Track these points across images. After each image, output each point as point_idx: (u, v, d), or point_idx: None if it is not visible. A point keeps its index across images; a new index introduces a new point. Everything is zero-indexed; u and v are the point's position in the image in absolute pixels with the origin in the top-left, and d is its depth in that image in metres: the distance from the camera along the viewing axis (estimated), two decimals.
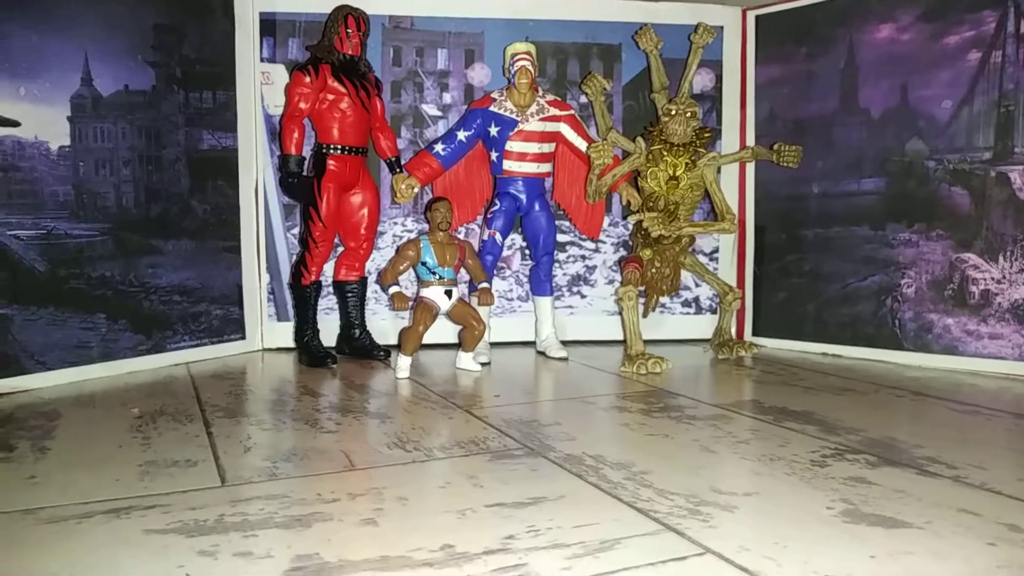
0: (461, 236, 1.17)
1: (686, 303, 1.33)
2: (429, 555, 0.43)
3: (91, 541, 0.46)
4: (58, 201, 0.96)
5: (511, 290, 1.28)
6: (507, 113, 1.13)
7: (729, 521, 0.48)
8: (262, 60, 1.19)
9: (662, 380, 0.98)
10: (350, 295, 1.17)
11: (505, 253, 1.24)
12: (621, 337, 1.13)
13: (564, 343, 1.18)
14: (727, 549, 0.44)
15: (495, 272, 1.20)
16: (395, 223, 1.24)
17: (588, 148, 1.12)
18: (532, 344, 1.23)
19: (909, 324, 1.09)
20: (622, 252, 1.29)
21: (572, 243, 1.29)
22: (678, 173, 1.13)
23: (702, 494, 0.53)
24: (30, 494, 0.54)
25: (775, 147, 1.17)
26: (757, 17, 1.28)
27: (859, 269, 1.12)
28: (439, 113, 1.24)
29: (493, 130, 1.14)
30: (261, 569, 0.41)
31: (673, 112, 1.14)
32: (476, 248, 1.15)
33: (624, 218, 1.28)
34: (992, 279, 1.02)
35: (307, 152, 1.11)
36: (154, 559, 0.43)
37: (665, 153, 1.14)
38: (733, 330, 1.24)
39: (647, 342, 1.12)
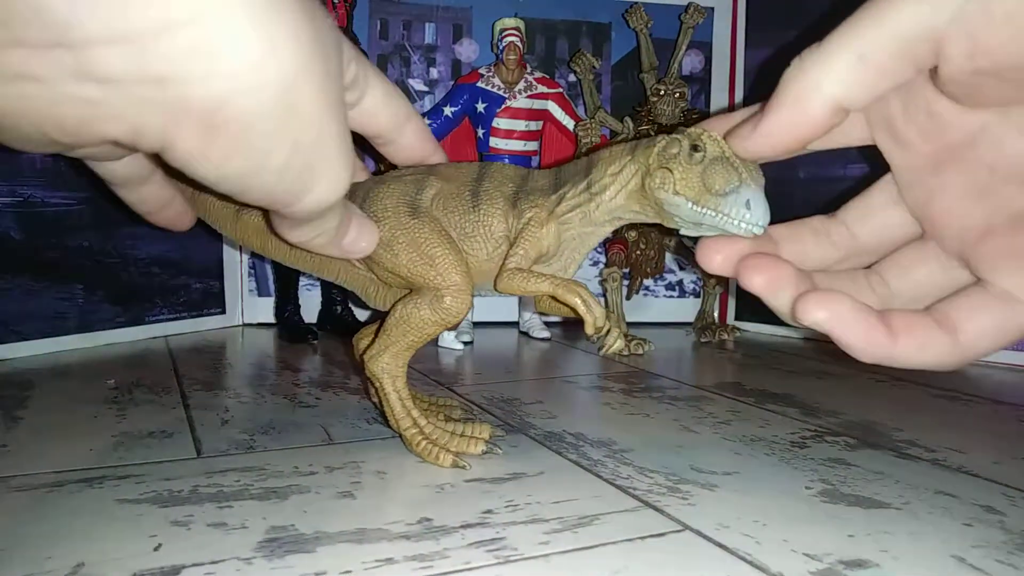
0: None
1: (670, 286, 1.33)
2: (406, 528, 0.43)
3: (63, 509, 0.45)
4: (35, 168, 0.94)
5: None
6: (495, 89, 1.12)
7: (708, 499, 0.48)
8: None
9: (644, 361, 0.98)
10: None
11: None
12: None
13: (547, 324, 1.18)
14: (706, 526, 0.44)
15: None
16: None
17: (576, 127, 1.12)
18: (515, 324, 1.22)
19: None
20: None
21: None
22: None
23: (682, 472, 0.53)
24: (1, 463, 0.53)
25: None
26: None
27: None
28: (426, 88, 1.23)
29: (480, 106, 1.13)
30: (235, 540, 0.41)
31: (662, 92, 1.13)
32: None
33: None
34: None
35: None
36: (127, 528, 0.42)
37: (653, 134, 1.13)
38: (716, 314, 1.24)
39: (629, 324, 1.12)
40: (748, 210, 0.41)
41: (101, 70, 0.22)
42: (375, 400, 0.64)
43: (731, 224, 0.41)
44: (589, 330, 0.51)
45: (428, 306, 0.52)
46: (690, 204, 0.43)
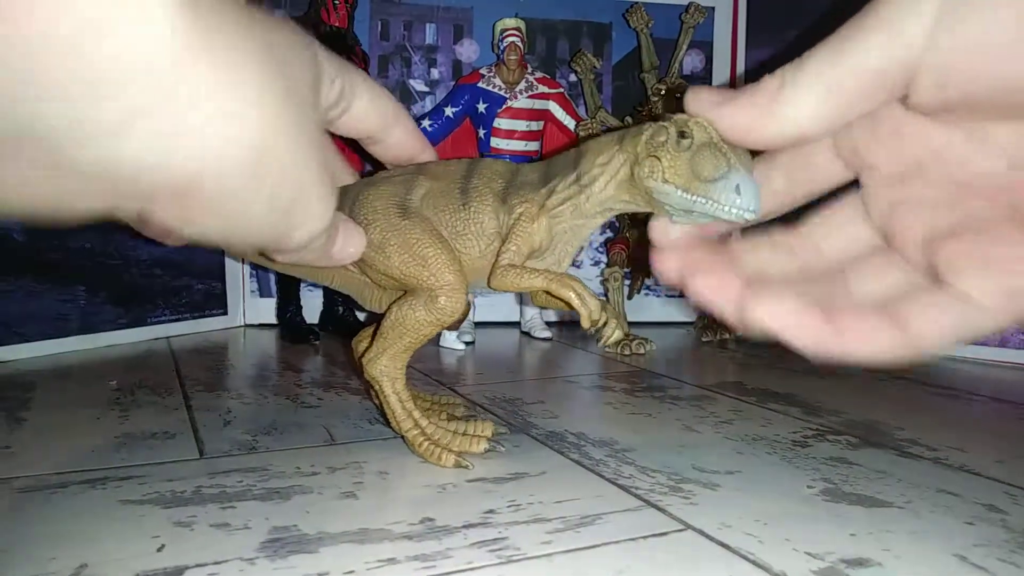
0: None
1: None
2: (409, 528, 0.43)
3: (66, 510, 0.45)
4: None
5: None
6: (495, 90, 1.12)
7: (710, 498, 0.48)
8: None
9: (646, 361, 0.98)
10: None
11: None
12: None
13: (548, 324, 1.18)
14: (708, 526, 0.44)
15: None
16: None
17: (577, 127, 1.12)
18: (517, 324, 1.22)
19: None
20: (608, 233, 1.28)
21: None
22: None
23: (684, 472, 0.53)
24: (4, 464, 0.53)
25: None
26: None
27: None
28: (427, 89, 1.23)
29: (481, 106, 1.13)
30: (238, 540, 0.41)
31: (662, 92, 1.13)
32: None
33: None
34: None
35: None
36: (130, 529, 0.42)
37: None
38: None
39: (631, 324, 1.12)
40: (738, 195, 0.40)
41: (72, 165, 0.21)
42: (376, 402, 0.64)
43: (721, 210, 0.40)
44: (585, 323, 0.51)
45: (423, 307, 0.52)
46: (679, 192, 0.42)
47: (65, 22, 0.19)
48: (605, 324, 0.53)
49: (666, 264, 0.37)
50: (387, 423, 0.58)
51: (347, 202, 0.54)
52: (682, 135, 0.42)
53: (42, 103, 0.19)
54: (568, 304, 0.52)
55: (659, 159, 0.44)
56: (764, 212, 0.39)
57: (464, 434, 0.57)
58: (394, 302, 0.55)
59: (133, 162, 0.22)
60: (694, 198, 0.42)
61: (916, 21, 0.26)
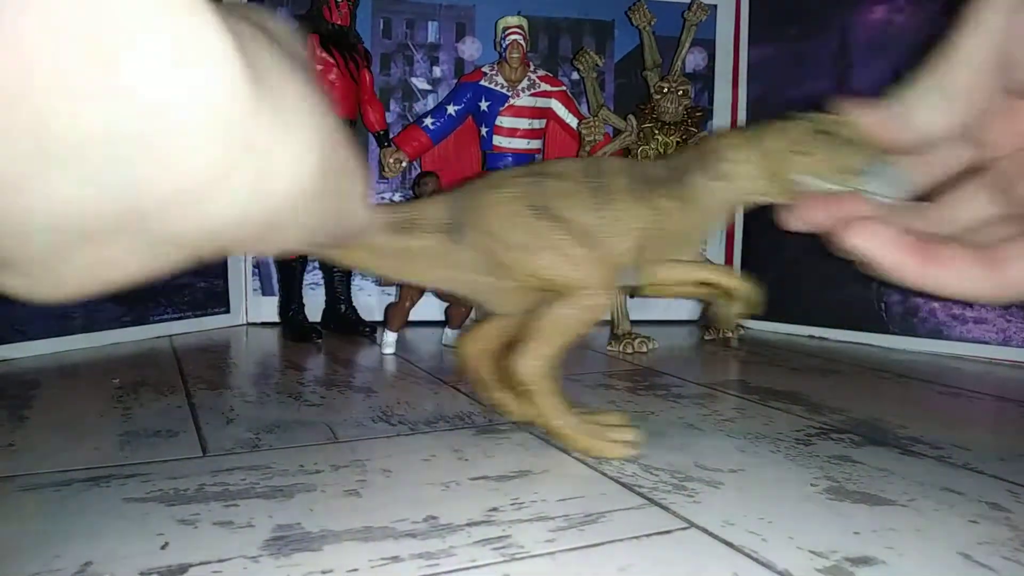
0: None
1: None
2: (412, 526, 0.43)
3: (70, 508, 0.45)
4: None
5: None
6: (498, 88, 1.12)
7: (714, 497, 0.48)
8: None
9: (648, 360, 0.98)
10: (336, 270, 1.16)
11: None
12: (608, 317, 1.13)
13: None
14: (712, 524, 0.44)
15: None
16: (382, 198, 1.23)
17: (579, 125, 1.12)
18: None
19: (895, 308, 1.09)
20: None
21: None
22: (669, 152, 1.12)
23: (687, 470, 0.53)
24: (8, 461, 0.53)
25: None
26: None
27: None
28: (429, 87, 1.23)
29: (483, 104, 1.13)
30: (241, 538, 0.41)
31: (665, 90, 1.13)
32: None
33: None
34: None
35: None
36: (134, 526, 0.42)
37: (656, 131, 1.13)
38: None
39: (634, 322, 1.12)
40: (886, 184, 0.41)
41: (160, 235, 0.22)
42: (492, 396, 0.65)
43: (871, 198, 0.41)
44: (738, 308, 0.56)
45: (577, 307, 0.53)
46: (828, 183, 0.44)
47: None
48: (732, 315, 0.58)
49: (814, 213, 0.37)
50: (388, 421, 0.58)
51: (468, 205, 0.55)
52: (824, 132, 0.45)
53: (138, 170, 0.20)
54: (727, 291, 0.56)
55: (804, 154, 0.46)
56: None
57: (606, 425, 0.58)
58: (544, 305, 0.55)
59: (219, 220, 0.22)
60: (843, 189, 0.43)
61: (996, 16, 0.29)
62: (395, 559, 0.39)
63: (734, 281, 0.56)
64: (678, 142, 1.13)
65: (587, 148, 1.11)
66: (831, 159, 0.45)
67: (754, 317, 1.23)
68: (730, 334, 1.17)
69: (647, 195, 0.54)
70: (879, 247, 0.33)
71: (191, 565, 0.38)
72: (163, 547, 0.40)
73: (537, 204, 0.53)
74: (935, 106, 0.34)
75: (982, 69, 0.31)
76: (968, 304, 1.02)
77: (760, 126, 0.51)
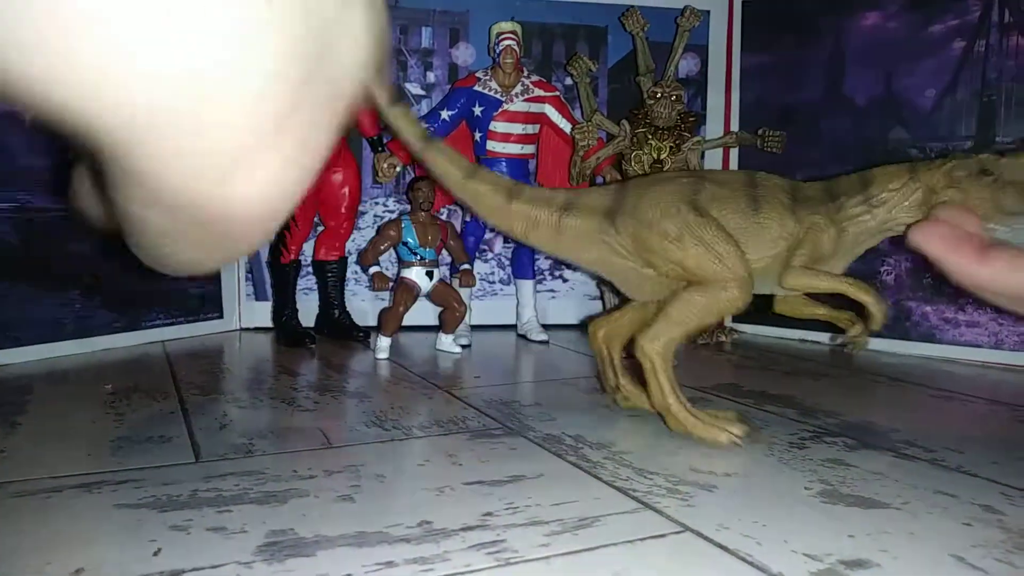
0: (443, 217, 1.16)
1: None
2: (406, 531, 0.43)
3: (62, 515, 0.45)
4: (33, 175, 0.94)
5: (493, 273, 1.27)
6: (491, 93, 1.12)
7: (708, 500, 0.48)
8: None
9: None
10: (330, 275, 1.15)
11: (487, 235, 1.23)
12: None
13: (545, 327, 1.18)
14: (706, 527, 0.44)
15: (477, 254, 1.20)
16: (376, 203, 1.23)
17: (573, 130, 1.12)
18: (513, 327, 1.22)
19: (888, 312, 1.09)
20: None
21: None
22: (662, 157, 1.13)
23: (681, 474, 0.53)
24: None
25: (759, 132, 1.17)
26: (744, 2, 1.27)
27: None
28: (422, 92, 1.23)
29: (477, 110, 1.13)
30: (235, 544, 0.41)
31: (658, 95, 1.13)
32: (458, 229, 1.14)
33: None
34: None
35: None
36: (126, 533, 0.42)
37: (650, 136, 1.13)
38: None
39: None
40: None
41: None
42: (615, 384, 0.71)
43: (1020, 238, 0.45)
44: (876, 326, 0.59)
45: (713, 295, 0.58)
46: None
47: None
48: (862, 334, 0.62)
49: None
50: (382, 426, 0.58)
51: (630, 196, 0.62)
52: (984, 171, 0.49)
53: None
54: (866, 304, 0.59)
55: (960, 191, 0.51)
56: None
57: (718, 418, 0.62)
58: (681, 290, 0.60)
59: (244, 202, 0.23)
60: (995, 226, 0.46)
61: None
62: (389, 564, 0.38)
63: (870, 297, 0.59)
64: (671, 147, 1.13)
65: (580, 153, 1.11)
66: (985, 198, 0.49)
67: (746, 320, 1.24)
68: (723, 338, 1.17)
69: (800, 211, 0.60)
70: (933, 241, 0.36)
71: (184, 571, 0.37)
72: (155, 553, 0.39)
73: (695, 202, 0.60)
74: None
75: None
76: (962, 308, 1.03)
77: (923, 161, 0.56)
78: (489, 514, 0.45)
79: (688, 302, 0.59)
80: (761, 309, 0.68)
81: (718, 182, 0.62)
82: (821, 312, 0.64)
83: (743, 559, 0.40)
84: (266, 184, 0.23)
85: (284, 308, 1.12)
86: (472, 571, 0.38)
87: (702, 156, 1.20)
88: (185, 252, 0.30)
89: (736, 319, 1.27)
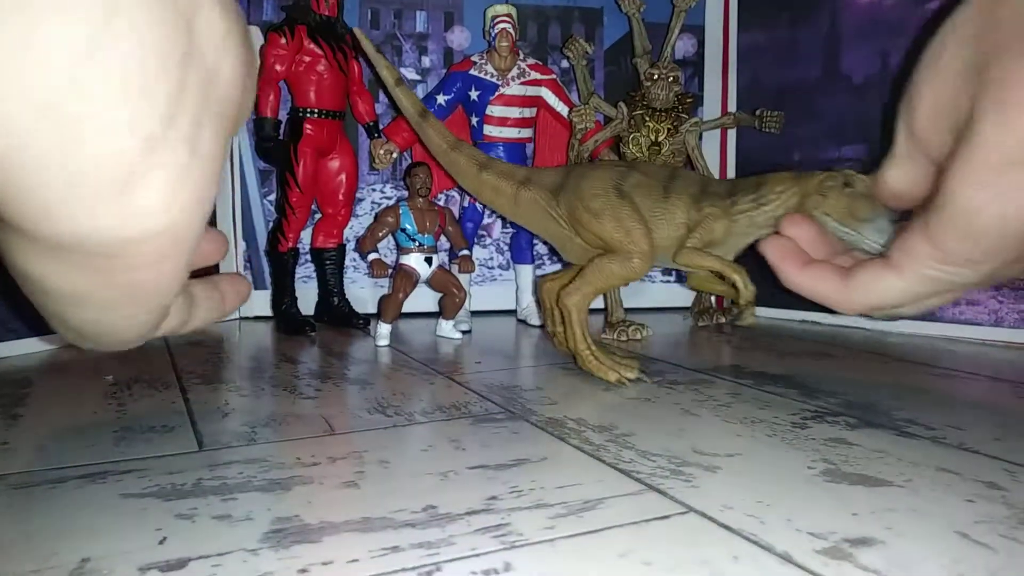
0: (441, 203, 1.16)
1: (666, 272, 1.33)
2: (411, 516, 0.43)
3: (66, 505, 0.45)
4: None
5: (491, 258, 1.27)
6: (487, 77, 1.12)
7: (712, 481, 0.48)
8: None
9: (643, 346, 0.98)
10: (328, 263, 1.15)
11: (486, 220, 1.23)
12: (602, 305, 1.13)
13: None
14: (710, 508, 0.44)
15: (476, 239, 1.19)
16: (373, 189, 1.23)
17: (570, 113, 1.11)
18: (513, 312, 1.22)
19: (754, 293, 1.09)
20: None
21: None
22: (660, 139, 1.12)
23: (684, 455, 0.53)
24: (2, 460, 0.53)
25: (758, 112, 1.16)
26: None
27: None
28: (418, 77, 1.22)
29: (473, 94, 1.12)
30: (241, 531, 0.41)
31: (655, 76, 1.13)
32: (456, 215, 1.14)
33: None
34: None
35: (283, 116, 1.09)
36: (131, 522, 0.42)
37: (647, 118, 1.13)
38: (713, 298, 1.24)
39: (628, 310, 1.12)
40: (877, 235, 0.54)
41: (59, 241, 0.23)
42: (551, 330, 0.85)
43: (864, 243, 0.55)
44: (741, 301, 0.70)
45: (619, 263, 0.71)
46: (835, 223, 0.58)
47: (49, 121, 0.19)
48: (746, 307, 0.71)
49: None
50: (384, 412, 0.58)
51: (573, 177, 0.78)
52: (847, 184, 0.60)
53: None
54: (733, 284, 0.70)
55: (825, 196, 0.61)
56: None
57: (621, 363, 0.76)
58: (596, 256, 0.74)
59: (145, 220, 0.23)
60: (846, 230, 0.57)
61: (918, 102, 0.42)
62: (395, 549, 0.38)
63: (739, 277, 0.69)
64: (668, 129, 1.13)
65: (578, 136, 1.10)
66: (843, 205, 0.59)
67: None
68: (723, 320, 1.17)
69: (702, 203, 0.71)
70: (774, 253, 0.48)
71: (190, 559, 0.37)
72: (161, 542, 0.39)
73: (620, 187, 0.73)
74: (897, 167, 0.46)
75: (916, 143, 0.42)
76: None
77: (806, 172, 0.67)
78: (494, 498, 0.45)
79: (600, 267, 0.72)
80: (761, 290, 0.71)
81: (644, 172, 0.75)
82: (720, 289, 0.74)
83: (748, 538, 0.40)
84: (160, 201, 0.22)
85: (283, 296, 1.12)
86: (478, 554, 0.38)
87: (700, 137, 1.20)
88: (93, 315, 0.29)
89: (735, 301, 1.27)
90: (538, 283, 0.85)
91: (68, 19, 0.18)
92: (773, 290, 0.78)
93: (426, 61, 1.22)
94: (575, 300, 0.74)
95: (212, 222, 1.15)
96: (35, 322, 0.93)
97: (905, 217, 0.55)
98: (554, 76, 1.17)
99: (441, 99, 1.13)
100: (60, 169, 0.20)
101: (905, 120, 0.45)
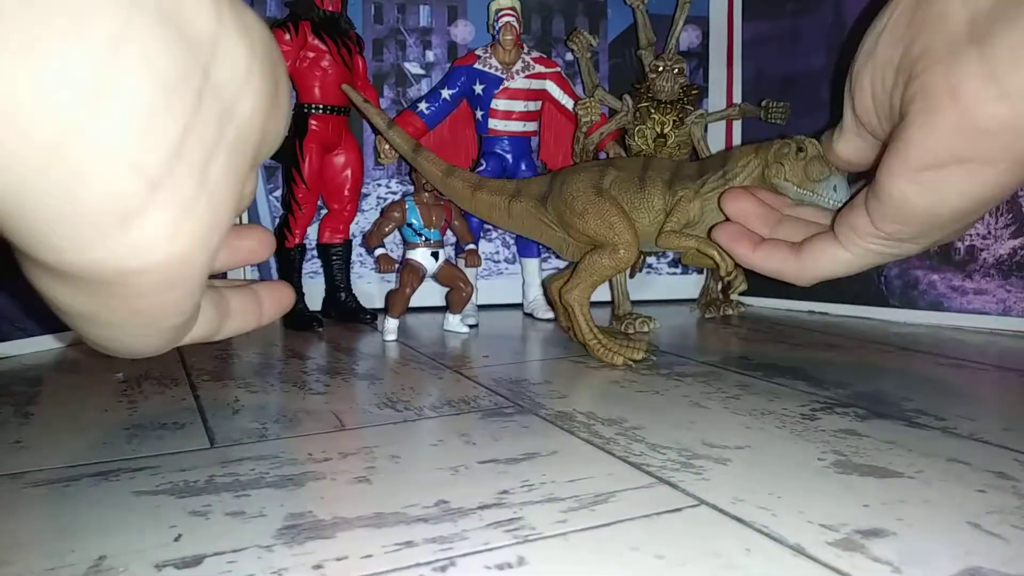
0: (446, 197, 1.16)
1: (673, 263, 1.33)
2: (424, 511, 0.43)
3: (80, 503, 0.45)
4: None
5: (498, 252, 1.27)
6: (492, 70, 1.12)
7: (722, 473, 0.48)
8: None
9: (650, 339, 0.98)
10: (335, 258, 1.15)
11: None
12: (609, 298, 1.13)
13: (551, 304, 1.17)
14: (721, 500, 0.44)
15: (482, 234, 1.19)
16: (379, 185, 1.23)
17: (575, 105, 1.11)
18: (519, 306, 1.22)
19: (895, 281, 1.09)
20: None
21: None
22: (666, 131, 1.12)
23: (694, 448, 0.53)
24: (15, 458, 0.53)
25: (763, 104, 1.16)
26: None
27: None
28: (422, 71, 1.22)
29: (478, 88, 1.12)
30: (254, 528, 0.41)
31: (660, 68, 1.12)
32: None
33: None
34: (977, 235, 1.03)
35: None
36: (146, 519, 0.42)
37: (652, 111, 1.12)
38: (720, 289, 1.24)
39: (634, 302, 1.12)
40: (835, 192, 0.61)
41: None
42: (564, 326, 0.91)
43: (823, 200, 0.62)
44: (722, 273, 0.73)
45: (608, 256, 0.76)
46: (795, 187, 0.64)
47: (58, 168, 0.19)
48: (735, 277, 0.75)
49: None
50: (394, 407, 0.58)
51: (556, 183, 0.84)
52: (799, 149, 0.64)
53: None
54: (712, 259, 0.73)
55: (783, 164, 0.66)
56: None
57: (627, 346, 0.80)
58: (587, 253, 0.79)
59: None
60: (804, 192, 0.64)
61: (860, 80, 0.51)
62: (408, 544, 0.39)
63: (715, 251, 0.71)
64: (674, 121, 1.13)
65: (583, 129, 1.10)
66: (799, 170, 0.63)
67: (753, 293, 1.23)
68: (730, 311, 1.17)
69: (675, 187, 0.76)
70: (725, 237, 0.55)
71: (206, 556, 0.38)
72: (176, 539, 0.40)
73: (598, 184, 0.79)
74: (845, 139, 0.52)
75: (859, 123, 0.48)
76: (969, 276, 1.03)
77: (765, 142, 0.70)
78: (505, 492, 0.45)
79: (591, 262, 0.77)
80: (768, 280, 0.71)
81: (619, 168, 0.81)
82: (708, 263, 0.76)
83: (760, 531, 0.40)
84: (161, 234, 0.22)
85: None
86: (491, 549, 0.38)
87: (705, 129, 1.19)
88: (106, 332, 0.29)
89: (742, 292, 1.27)
90: (546, 284, 0.92)
91: (73, 57, 0.18)
92: (776, 281, 0.81)
93: (430, 55, 1.22)
94: (575, 295, 0.79)
95: None
96: (46, 320, 0.93)
97: (860, 177, 0.59)
98: (559, 69, 1.16)
99: (446, 93, 1.13)
100: (61, 206, 0.20)
101: (849, 102, 0.48)
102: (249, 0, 1.15)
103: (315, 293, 1.16)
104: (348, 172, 1.13)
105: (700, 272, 1.29)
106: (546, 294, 0.93)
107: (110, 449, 0.55)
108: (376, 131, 1.13)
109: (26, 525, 0.42)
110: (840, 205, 0.61)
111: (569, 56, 1.23)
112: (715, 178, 0.74)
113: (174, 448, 0.55)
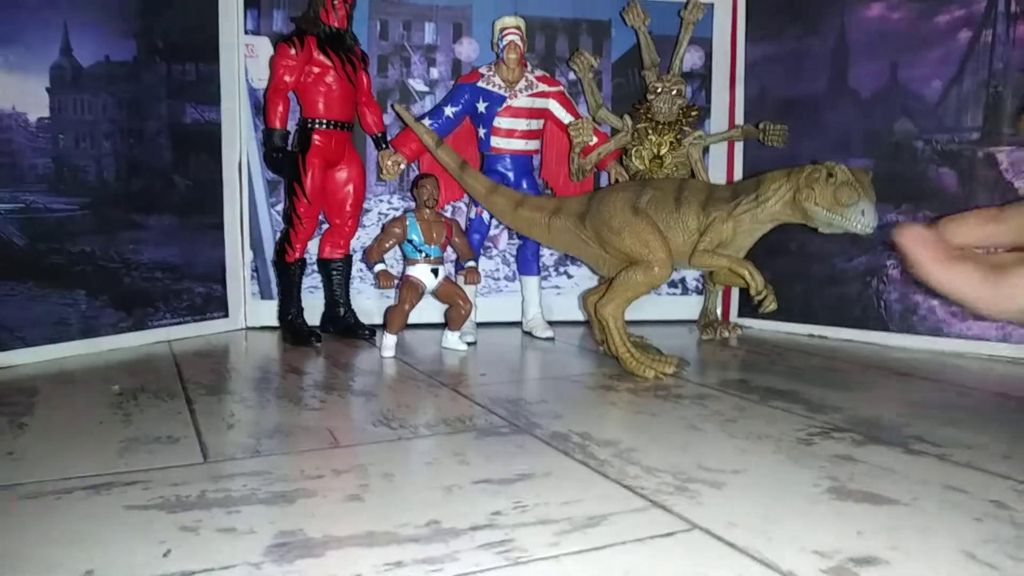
0: (448, 214, 1.16)
1: (672, 284, 1.32)
2: (415, 531, 0.43)
3: (71, 516, 0.45)
4: (37, 174, 0.94)
5: (497, 269, 1.27)
6: (495, 88, 1.12)
7: (717, 498, 0.48)
8: (246, 32, 1.16)
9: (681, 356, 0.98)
10: (335, 273, 1.15)
11: (492, 232, 1.23)
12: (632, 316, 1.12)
13: (551, 323, 1.17)
14: (715, 525, 0.43)
15: (482, 251, 1.19)
16: (381, 200, 1.23)
17: (568, 127, 1.11)
18: (518, 324, 1.22)
19: (895, 305, 1.09)
20: None
21: None
22: (662, 152, 1.13)
23: (689, 471, 0.53)
24: (8, 470, 0.53)
25: (760, 126, 1.16)
26: None
27: (845, 250, 1.12)
28: (426, 88, 1.23)
29: (481, 106, 1.13)
30: (244, 545, 0.41)
31: (659, 90, 1.13)
32: (463, 226, 1.14)
33: None
34: None
35: (292, 127, 1.10)
36: (136, 534, 0.42)
37: (650, 131, 1.13)
38: (719, 311, 1.24)
39: (632, 323, 1.12)
40: (863, 217, 0.69)
41: None
42: (598, 339, 0.93)
43: (852, 225, 0.69)
44: (753, 292, 0.79)
45: (642, 273, 0.81)
46: (824, 211, 0.71)
47: None
48: (766, 297, 0.80)
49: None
50: (389, 425, 0.58)
51: (595, 201, 0.90)
52: (830, 175, 0.71)
53: None
54: (743, 278, 0.79)
55: (813, 189, 0.73)
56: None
57: (659, 360, 0.82)
58: (623, 269, 0.82)
59: None
60: (834, 216, 0.71)
61: None
62: (398, 564, 0.38)
63: (745, 270, 0.78)
64: (671, 142, 1.13)
65: (577, 150, 1.10)
66: (829, 194, 0.70)
67: (752, 316, 1.23)
68: (727, 334, 1.16)
69: (709, 208, 0.81)
70: (911, 241, 0.39)
71: (194, 572, 0.37)
72: (165, 555, 0.39)
73: (635, 204, 0.83)
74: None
75: None
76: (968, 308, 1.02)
77: (796, 168, 0.76)
78: (498, 513, 0.45)
79: (626, 278, 0.82)
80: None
81: (656, 188, 0.86)
82: (739, 282, 0.83)
83: (753, 557, 0.39)
84: None
85: (290, 307, 1.12)
86: (481, 571, 0.38)
87: (705, 150, 1.19)
88: None
89: (741, 314, 1.27)
90: (583, 297, 1.00)
91: None
92: (781, 304, 0.83)
93: (434, 72, 1.23)
94: (610, 310, 0.84)
95: (219, 231, 1.16)
96: (44, 330, 0.93)
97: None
98: (562, 88, 1.17)
99: (449, 111, 1.13)
100: None
101: None
102: (256, 14, 1.16)
103: (314, 308, 1.16)
104: (350, 187, 1.13)
105: (699, 293, 1.29)
106: (586, 307, 0.96)
107: (103, 462, 0.55)
108: (379, 147, 1.13)
109: (16, 537, 0.42)
110: (869, 230, 0.68)
111: (572, 75, 1.24)
112: (748, 200, 0.80)
113: (167, 462, 0.55)
